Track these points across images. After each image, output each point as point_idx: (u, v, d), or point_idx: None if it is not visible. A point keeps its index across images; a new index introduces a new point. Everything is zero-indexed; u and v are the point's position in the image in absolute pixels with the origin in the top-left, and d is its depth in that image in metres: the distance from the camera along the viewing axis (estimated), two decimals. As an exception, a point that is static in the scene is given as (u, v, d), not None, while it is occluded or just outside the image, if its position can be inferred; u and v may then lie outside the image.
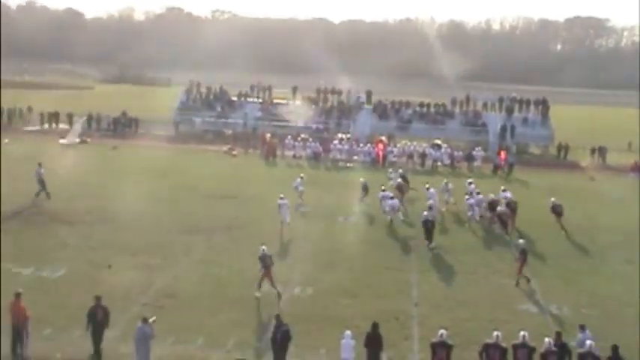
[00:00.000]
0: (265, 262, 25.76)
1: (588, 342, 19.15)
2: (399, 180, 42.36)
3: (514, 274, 28.49)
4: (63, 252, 29.29)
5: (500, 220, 36.05)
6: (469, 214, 38.15)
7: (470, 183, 41.66)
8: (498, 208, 36.63)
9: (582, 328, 21.02)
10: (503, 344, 19.11)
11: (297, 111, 68.75)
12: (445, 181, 42.38)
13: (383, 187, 39.88)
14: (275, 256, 29.92)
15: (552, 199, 38.47)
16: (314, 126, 66.77)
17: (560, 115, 74.24)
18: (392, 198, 37.72)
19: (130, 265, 28.12)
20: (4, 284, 24.73)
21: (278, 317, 20.37)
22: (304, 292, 26.33)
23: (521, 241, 29.95)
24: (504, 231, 35.56)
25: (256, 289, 25.49)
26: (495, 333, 19.34)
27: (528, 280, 28.22)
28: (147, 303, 24.18)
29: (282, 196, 35.61)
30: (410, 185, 42.82)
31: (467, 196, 38.98)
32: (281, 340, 19.87)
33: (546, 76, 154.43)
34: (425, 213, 34.17)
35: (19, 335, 19.74)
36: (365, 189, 41.02)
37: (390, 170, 47.13)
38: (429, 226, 33.25)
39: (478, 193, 39.18)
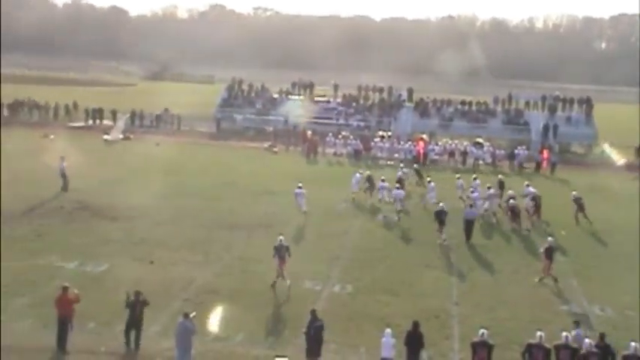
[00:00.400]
0: (281, 252, 26.16)
1: (633, 344, 18.88)
2: (400, 173, 42.99)
3: (543, 273, 28.28)
4: (106, 247, 29.61)
5: (511, 213, 36.17)
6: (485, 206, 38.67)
7: (475, 178, 42.59)
8: (510, 201, 36.89)
9: (577, 324, 21.03)
10: (547, 345, 18.91)
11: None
12: (457, 175, 42.84)
13: (383, 178, 40.85)
14: (314, 253, 30.14)
15: (574, 192, 38.86)
16: (355, 123, 66.70)
17: (605, 114, 73.22)
18: (398, 188, 38.72)
19: (172, 260, 28.35)
20: (49, 278, 25.21)
21: (313, 312, 20.33)
22: (344, 289, 26.31)
23: (550, 238, 29.53)
24: (515, 224, 35.92)
25: (275, 279, 26.02)
26: (539, 333, 19.14)
27: (555, 280, 27.96)
28: (188, 299, 24.36)
29: (300, 185, 37.31)
30: (423, 181, 43.72)
31: (471, 189, 39.78)
32: (314, 335, 19.86)
33: (590, 75, 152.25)
34: (441, 204, 34.51)
35: (65, 328, 19.99)
36: (370, 182, 41.27)
37: (402, 165, 47.22)
38: (442, 217, 33.49)
39: (489, 188, 39.60)
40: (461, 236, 33.53)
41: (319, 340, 19.94)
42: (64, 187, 39.22)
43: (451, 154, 57.28)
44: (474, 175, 44.09)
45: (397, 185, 39.35)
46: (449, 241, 33.01)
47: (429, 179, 42.02)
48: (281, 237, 26.64)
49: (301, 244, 31.62)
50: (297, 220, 35.77)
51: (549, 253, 28.16)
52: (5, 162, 41.24)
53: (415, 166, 47.62)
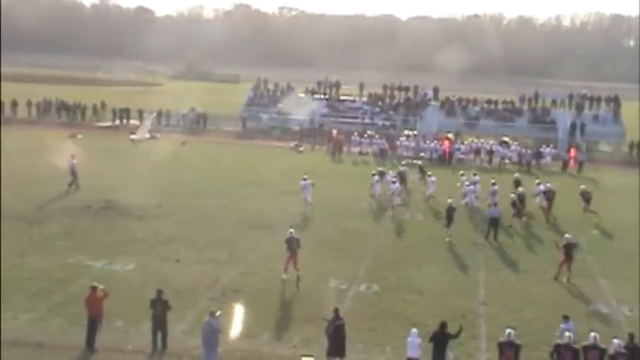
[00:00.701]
0: (291, 245, 26.65)
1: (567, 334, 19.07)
2: (402, 168, 44.25)
3: (559, 270, 28.34)
4: (133, 246, 29.80)
5: (513, 206, 36.38)
6: (466, 200, 39.99)
7: (474, 174, 43.56)
8: (511, 196, 37.47)
9: (566, 318, 21.04)
10: (575, 345, 18.76)
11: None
12: (461, 172, 43.21)
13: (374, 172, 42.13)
14: (340, 252, 30.14)
15: (582, 186, 39.57)
16: (380, 122, 66.63)
17: (633, 112, 72.56)
18: (394, 182, 39.71)
19: (198, 259, 28.47)
20: (77, 276, 25.43)
21: (336, 311, 20.22)
22: (370, 288, 26.28)
23: (567, 235, 29.25)
24: (517, 218, 36.27)
25: (284, 272, 26.59)
26: (567, 334, 19.00)
27: (568, 279, 27.95)
28: (213, 297, 24.44)
29: (305, 177, 38.13)
30: (424, 177, 43.56)
31: (467, 183, 41.14)
32: (335, 333, 19.83)
33: (618, 73, 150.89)
34: (449, 200, 34.66)
35: (95, 327, 20.16)
36: (382, 175, 42.07)
37: (403, 162, 47.83)
38: (451, 213, 33.76)
39: (494, 184, 39.76)
40: (487, 239, 33.44)
41: (341, 339, 19.89)
42: (73, 184, 39.60)
43: (477, 152, 57.04)
44: (474, 172, 44.99)
45: (393, 180, 40.27)
46: (477, 240, 32.98)
47: (429, 174, 42.42)
48: (291, 230, 27.24)
49: (327, 243, 31.67)
50: (322, 219, 35.80)
51: (568, 250, 28.07)
52: (34, 161, 41.58)
53: (420, 163, 48.72)
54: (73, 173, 39.87)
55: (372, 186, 40.55)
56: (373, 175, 41.17)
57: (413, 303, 24.99)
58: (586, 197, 38.44)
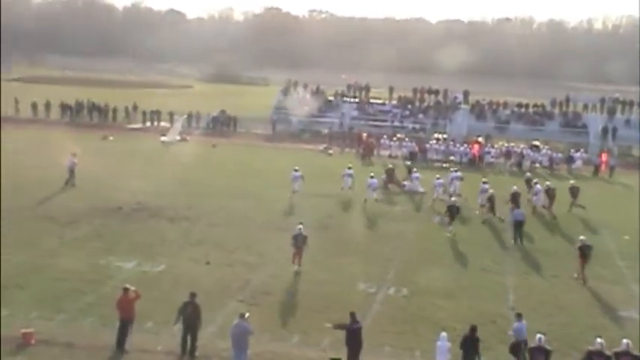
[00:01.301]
0: (297, 241, 27.59)
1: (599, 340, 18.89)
2: (390, 166, 46.52)
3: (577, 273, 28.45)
4: (163, 247, 29.98)
5: (490, 204, 37.27)
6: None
7: (456, 170, 44.71)
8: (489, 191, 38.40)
9: (519, 316, 21.00)
10: (607, 352, 18.58)
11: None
12: (483, 180, 42.08)
13: (415, 169, 44.67)
14: (369, 255, 30.11)
15: (571, 181, 41.67)
16: (410, 125, 66.51)
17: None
18: (372, 177, 40.53)
19: (228, 261, 28.59)
20: (108, 277, 25.65)
21: (352, 315, 20.16)
22: (399, 292, 26.24)
23: (582, 237, 29.33)
24: (491, 214, 37.23)
25: (293, 265, 27.71)
26: (599, 340, 18.81)
27: (584, 279, 28.02)
28: (243, 300, 24.53)
29: (296, 168, 41.33)
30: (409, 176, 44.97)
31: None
32: (352, 337, 19.79)
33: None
34: (453, 199, 36.55)
35: (126, 329, 20.32)
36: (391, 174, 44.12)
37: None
38: (453, 212, 34.82)
39: (484, 182, 40.42)
40: (515, 242, 33.33)
41: (358, 343, 19.85)
42: (69, 183, 40.23)
43: (507, 156, 56.69)
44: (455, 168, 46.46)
45: (372, 174, 41.28)
46: (506, 244, 32.81)
47: (415, 170, 44.54)
48: (300, 226, 28.13)
49: (356, 245, 31.69)
50: (352, 221, 35.90)
51: (583, 252, 28.19)
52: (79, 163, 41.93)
53: (407, 162, 49.77)
54: (71, 171, 40.43)
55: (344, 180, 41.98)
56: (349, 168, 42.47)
57: (442, 307, 24.91)
58: (573, 193, 39.64)
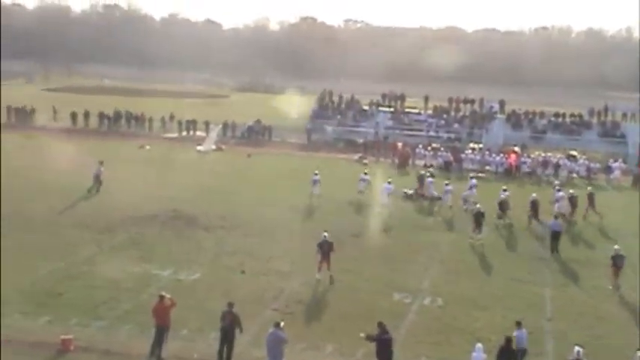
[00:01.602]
0: (323, 248, 27.85)
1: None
2: (422, 172, 47.57)
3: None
4: (198, 256, 30.20)
5: (500, 209, 37.61)
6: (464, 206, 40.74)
7: (472, 178, 45.17)
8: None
9: (519, 324, 20.93)
10: None
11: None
12: (503, 187, 42.20)
13: (446, 182, 43.39)
14: (404, 265, 30.05)
15: (570, 190, 41.50)
16: (445, 135, 66.30)
17: None
18: (389, 183, 41.57)
19: (262, 270, 28.72)
20: (145, 285, 25.89)
21: (381, 325, 20.06)
22: (434, 302, 26.17)
23: (616, 247, 29.30)
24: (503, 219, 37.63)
25: (317, 273, 27.77)
26: (639, 354, 18.60)
27: (617, 288, 28.08)
28: (277, 308, 24.62)
29: (316, 172, 43.06)
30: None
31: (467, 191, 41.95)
32: (382, 348, 19.72)
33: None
34: (477, 205, 36.39)
35: (161, 336, 20.48)
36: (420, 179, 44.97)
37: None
38: (479, 219, 34.89)
39: (447, 184, 42.16)
40: (552, 253, 33.13)
41: (389, 354, 19.77)
42: (94, 190, 41.05)
43: (544, 166, 56.25)
44: (471, 174, 46.38)
45: (389, 180, 42.46)
46: (540, 253, 32.64)
47: (428, 175, 45.84)
48: (325, 234, 28.40)
49: (391, 256, 31.64)
50: (386, 231, 35.81)
51: (615, 262, 28.34)
52: (106, 172, 42.43)
53: (421, 172, 49.06)
54: (97, 178, 41.26)
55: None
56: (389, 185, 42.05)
57: (478, 317, 24.79)
58: (573, 203, 39.76)
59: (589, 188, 40.97)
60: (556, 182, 45.66)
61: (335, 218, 37.51)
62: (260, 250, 31.28)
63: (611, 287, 28.38)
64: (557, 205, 39.50)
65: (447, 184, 42.15)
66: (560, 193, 40.48)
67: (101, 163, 42.36)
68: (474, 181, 43.49)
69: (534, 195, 39.72)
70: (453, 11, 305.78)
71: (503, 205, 38.49)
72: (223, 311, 20.57)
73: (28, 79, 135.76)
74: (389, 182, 41.70)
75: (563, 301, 27.14)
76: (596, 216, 39.58)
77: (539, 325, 24.38)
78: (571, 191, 41.01)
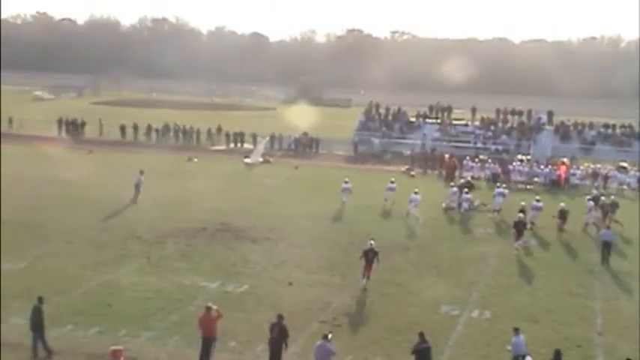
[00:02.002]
0: (368, 256, 28.22)
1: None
2: (465, 179, 49.77)
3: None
4: (246, 268, 30.37)
5: (515, 229, 35.88)
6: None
7: (537, 200, 42.09)
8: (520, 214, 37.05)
9: (516, 331, 21.11)
10: None
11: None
12: (537, 197, 42.39)
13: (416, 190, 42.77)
14: (451, 277, 29.89)
15: (612, 197, 42.93)
16: (493, 147, 65.81)
17: None
18: (416, 193, 41.72)
19: (310, 282, 28.78)
20: (193, 297, 26.12)
21: (421, 335, 20.10)
22: (482, 315, 25.96)
23: None
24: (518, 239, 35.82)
25: (361, 280, 28.21)
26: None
27: None
28: (325, 321, 24.64)
29: (346, 180, 44.78)
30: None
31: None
32: (420, 357, 19.67)
33: None
34: (520, 215, 36.46)
35: (207, 347, 20.57)
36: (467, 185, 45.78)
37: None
38: (520, 227, 35.24)
39: (538, 200, 41.25)
40: (605, 264, 32.72)
41: None
42: (134, 200, 41.83)
43: (593, 177, 55.51)
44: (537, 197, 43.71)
45: (415, 190, 42.32)
46: (594, 267, 32.25)
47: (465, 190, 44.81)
48: (372, 242, 28.72)
49: (438, 267, 31.50)
50: (435, 243, 35.70)
51: None
52: (154, 185, 43.10)
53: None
54: (137, 188, 42.06)
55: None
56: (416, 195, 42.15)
57: (526, 330, 24.39)
58: (612, 208, 40.55)
59: (612, 197, 41.55)
60: (594, 192, 46.00)
61: (383, 230, 37.42)
62: (307, 262, 31.36)
63: None
64: (586, 215, 40.07)
65: (452, 186, 44.17)
66: (590, 203, 40.94)
67: (141, 172, 43.00)
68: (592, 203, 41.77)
69: (562, 205, 40.20)
70: (500, 22, 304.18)
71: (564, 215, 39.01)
72: (272, 323, 20.65)
73: (78, 92, 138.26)
74: (415, 192, 41.78)
75: (614, 314, 26.73)
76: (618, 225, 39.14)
77: (590, 338, 24.06)
78: (603, 198, 41.84)
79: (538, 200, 41.14)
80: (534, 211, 40.08)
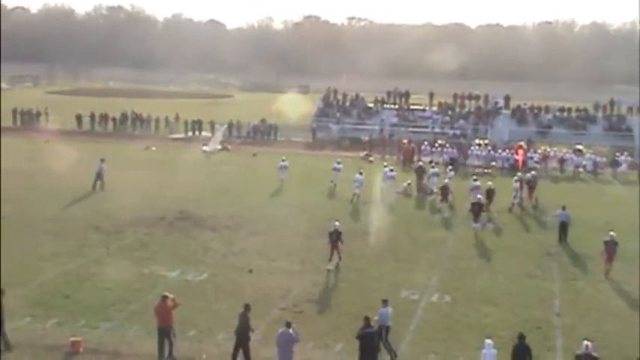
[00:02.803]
0: (332, 237, 29.00)
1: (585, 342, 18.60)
2: (420, 164, 48.94)
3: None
4: (206, 256, 30.22)
5: (472, 211, 36.67)
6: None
7: (475, 179, 43.18)
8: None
9: (385, 302, 21.56)
10: (595, 354, 18.23)
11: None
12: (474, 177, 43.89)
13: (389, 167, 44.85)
14: (411, 262, 30.05)
15: (489, 183, 41.97)
16: (451, 132, 66.16)
17: None
18: (360, 173, 42.36)
19: (270, 269, 28.73)
20: (152, 286, 25.92)
21: (366, 318, 20.07)
22: (442, 299, 26.13)
23: (611, 233, 29.78)
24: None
25: (328, 263, 28.88)
26: (585, 342, 18.48)
27: (607, 273, 29.06)
28: (285, 307, 24.61)
29: (339, 160, 46.09)
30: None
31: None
32: (364, 342, 19.66)
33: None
34: (479, 196, 37.76)
35: (164, 336, 20.42)
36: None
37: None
38: (476, 209, 36.10)
39: (475, 180, 42.64)
40: (563, 245, 33.33)
41: (372, 348, 19.74)
42: (96, 187, 41.99)
43: (544, 160, 56.42)
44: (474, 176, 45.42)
45: (360, 171, 43.44)
46: (550, 249, 32.68)
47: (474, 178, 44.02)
48: (336, 222, 29.78)
49: (398, 253, 31.62)
50: (392, 228, 35.82)
51: (607, 247, 29.32)
52: (112, 174, 42.72)
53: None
54: (99, 175, 42.01)
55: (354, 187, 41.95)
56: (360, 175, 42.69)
57: (486, 314, 24.75)
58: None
59: (489, 183, 41.64)
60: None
61: (343, 216, 37.30)
62: (267, 250, 31.29)
63: (604, 276, 28.98)
64: (472, 193, 40.54)
65: (432, 167, 46.17)
66: (476, 183, 41.72)
67: (102, 160, 42.67)
68: (477, 182, 42.41)
69: (489, 184, 41.17)
70: (457, 7, 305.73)
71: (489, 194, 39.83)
72: (239, 313, 20.45)
73: (34, 82, 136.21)
74: (360, 173, 42.55)
75: (572, 295, 27.10)
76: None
77: (549, 320, 24.35)
78: (489, 183, 41.80)
79: (475, 180, 42.37)
80: (472, 191, 40.71)
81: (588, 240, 34.42)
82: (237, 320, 20.26)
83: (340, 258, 28.99)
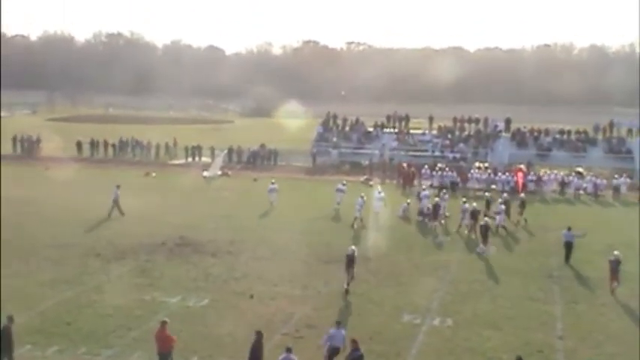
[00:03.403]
0: (347, 259, 29.13)
1: None
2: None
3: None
4: (207, 282, 30.15)
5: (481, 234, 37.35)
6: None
7: (501, 203, 43.22)
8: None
9: (338, 324, 21.75)
10: None
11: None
12: (464, 199, 43.82)
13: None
14: (413, 286, 29.99)
15: (474, 204, 41.84)
16: (451, 155, 66.26)
17: None
18: (362, 197, 42.64)
19: (271, 295, 28.63)
20: (154, 312, 25.84)
21: (354, 342, 20.13)
22: (444, 323, 26.04)
23: (615, 252, 30.27)
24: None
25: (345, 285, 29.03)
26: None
27: (612, 292, 29.48)
28: (287, 333, 24.53)
29: (344, 182, 46.94)
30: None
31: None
32: None
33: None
34: (486, 219, 38.13)
35: (163, 362, 20.33)
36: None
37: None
38: (482, 231, 36.74)
39: (465, 202, 42.37)
40: (564, 268, 33.23)
41: None
42: (119, 213, 42.05)
43: (537, 183, 56.81)
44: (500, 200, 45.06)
45: (362, 195, 43.51)
46: (552, 272, 32.67)
47: (464, 200, 44.00)
48: (353, 247, 30.00)
49: (399, 277, 31.55)
50: (393, 252, 35.76)
51: (612, 265, 29.84)
52: (110, 200, 42.75)
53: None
54: (115, 202, 42.08)
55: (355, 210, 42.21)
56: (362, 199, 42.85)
57: (488, 337, 24.66)
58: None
59: (474, 204, 41.80)
60: (487, 194, 47.38)
61: (344, 241, 37.32)
62: (268, 275, 31.21)
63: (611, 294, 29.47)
64: (498, 217, 41.02)
65: (424, 189, 45.98)
66: (501, 207, 41.96)
67: (118, 187, 42.76)
68: (503, 206, 42.44)
69: (474, 205, 41.40)
70: (455, 31, 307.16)
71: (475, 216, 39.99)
72: (253, 340, 20.24)
73: (32, 109, 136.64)
74: (362, 197, 42.72)
75: (573, 318, 27.02)
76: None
77: (551, 343, 24.27)
78: (474, 204, 41.79)
79: (465, 202, 42.43)
80: (463, 213, 41.09)
81: (590, 262, 34.44)
82: (250, 347, 20.11)
83: (353, 278, 29.16)
